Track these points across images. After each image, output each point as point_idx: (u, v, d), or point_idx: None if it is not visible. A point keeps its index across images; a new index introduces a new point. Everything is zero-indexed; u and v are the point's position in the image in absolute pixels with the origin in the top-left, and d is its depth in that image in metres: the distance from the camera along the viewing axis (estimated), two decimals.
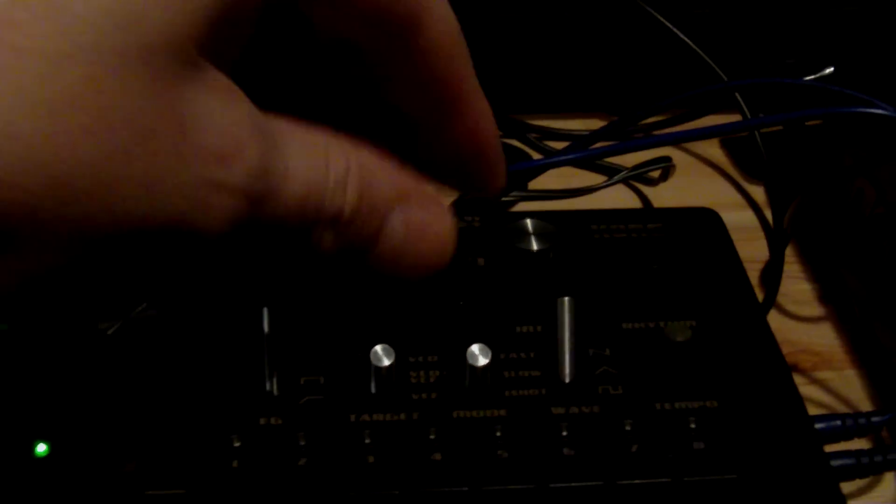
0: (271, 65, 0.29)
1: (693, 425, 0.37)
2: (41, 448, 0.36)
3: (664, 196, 0.57)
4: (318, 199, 0.26)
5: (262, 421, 0.37)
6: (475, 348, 0.37)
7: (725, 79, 0.54)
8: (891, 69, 0.50)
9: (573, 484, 0.35)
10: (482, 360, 0.37)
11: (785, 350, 0.49)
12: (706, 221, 0.46)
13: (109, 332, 0.38)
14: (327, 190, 0.26)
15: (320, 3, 0.26)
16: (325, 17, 0.27)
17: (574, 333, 0.38)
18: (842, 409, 0.47)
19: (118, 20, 0.21)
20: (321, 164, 0.26)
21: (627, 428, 0.37)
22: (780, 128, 0.58)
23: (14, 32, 0.21)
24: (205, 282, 0.36)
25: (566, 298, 0.39)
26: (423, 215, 0.29)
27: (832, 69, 0.54)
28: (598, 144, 0.48)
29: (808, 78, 0.53)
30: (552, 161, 0.40)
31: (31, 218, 0.21)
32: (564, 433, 0.37)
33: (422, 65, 0.28)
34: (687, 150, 0.60)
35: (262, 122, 0.25)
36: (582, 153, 0.40)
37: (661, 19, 0.55)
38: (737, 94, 0.53)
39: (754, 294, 0.43)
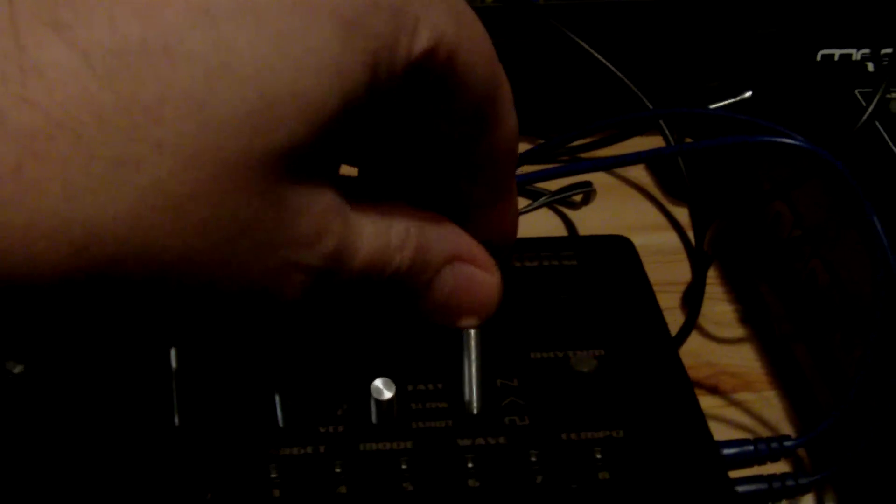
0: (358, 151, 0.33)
1: (599, 455, 0.38)
2: None
3: (587, 219, 0.57)
4: (381, 260, 0.29)
5: (164, 456, 0.37)
6: (379, 382, 0.37)
7: (651, 107, 0.55)
8: (807, 91, 0.50)
9: None
10: (386, 394, 0.37)
11: (705, 372, 0.50)
12: (618, 249, 0.46)
13: (15, 371, 0.38)
14: (388, 250, 0.29)
15: (435, 103, 0.29)
16: (422, 117, 0.30)
17: (481, 364, 0.39)
18: (762, 431, 0.48)
19: (255, 126, 0.23)
20: (384, 229, 0.29)
21: (533, 459, 0.37)
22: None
23: (159, 128, 0.22)
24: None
25: (472, 330, 0.39)
26: (472, 271, 0.33)
27: (750, 93, 0.55)
28: (524, 169, 0.49)
29: (717, 105, 0.54)
30: None
31: (134, 293, 0.23)
32: (470, 465, 0.37)
33: (490, 154, 0.32)
34: (610, 173, 0.61)
35: (344, 208, 0.27)
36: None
37: (586, 46, 0.56)
38: (661, 122, 0.54)
39: (664, 321, 0.43)
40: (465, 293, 0.34)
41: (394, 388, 0.37)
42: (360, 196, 0.29)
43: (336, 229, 0.27)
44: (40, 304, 0.23)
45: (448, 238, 0.33)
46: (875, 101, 0.47)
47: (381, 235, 0.29)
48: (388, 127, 0.31)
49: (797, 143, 0.42)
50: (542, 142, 0.55)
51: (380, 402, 0.37)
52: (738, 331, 0.53)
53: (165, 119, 0.22)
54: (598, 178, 0.57)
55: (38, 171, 0.21)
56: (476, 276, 0.34)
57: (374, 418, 0.38)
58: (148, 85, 0.22)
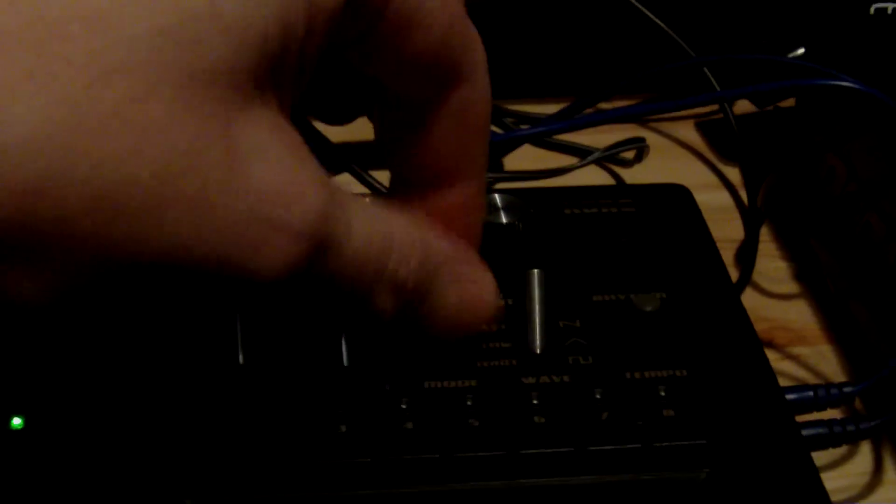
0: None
1: (663, 393, 0.38)
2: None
3: (638, 177, 0.57)
4: (381, 262, 0.26)
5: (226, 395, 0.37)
6: None
7: (693, 55, 0.54)
8: (858, 51, 0.50)
9: (544, 450, 0.36)
10: None
11: (760, 326, 0.50)
12: (677, 197, 0.46)
13: None
14: (391, 257, 0.27)
15: (379, 50, 0.27)
16: (374, 59, 0.28)
17: (544, 305, 0.39)
18: (816, 382, 0.48)
19: (170, 41, 0.21)
20: (386, 232, 0.26)
21: (597, 396, 0.37)
22: (755, 109, 0.58)
23: (67, 45, 0.20)
24: None
25: (535, 271, 0.39)
26: (467, 271, 0.30)
27: (803, 50, 0.55)
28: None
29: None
30: (510, 136, 0.40)
31: (69, 232, 0.21)
32: (535, 402, 0.37)
33: (447, 124, 0.30)
34: (661, 133, 0.61)
35: (325, 176, 0.24)
36: (543, 127, 0.41)
37: (637, 4, 0.56)
38: (706, 70, 0.53)
39: (724, 267, 0.43)
40: (462, 296, 0.30)
41: None
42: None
43: (318, 192, 0.24)
44: None
45: (445, 242, 0.30)
46: None
47: (382, 234, 0.26)
48: (346, 78, 0.29)
49: (854, 85, 0.42)
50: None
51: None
52: (792, 287, 0.52)
53: (73, 36, 0.21)
54: (649, 139, 0.57)
55: None
56: (471, 278, 0.31)
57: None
58: (52, 4, 0.21)
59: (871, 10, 0.51)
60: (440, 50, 0.28)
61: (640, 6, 0.55)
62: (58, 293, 0.22)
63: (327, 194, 0.24)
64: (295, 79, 0.25)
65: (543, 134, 0.53)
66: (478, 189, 0.32)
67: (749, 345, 0.40)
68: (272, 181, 0.23)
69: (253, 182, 0.22)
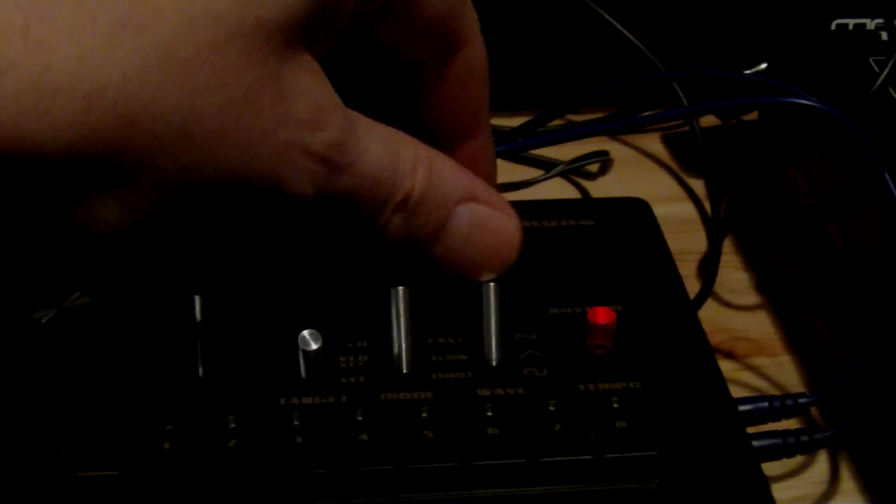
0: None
1: (616, 405, 0.38)
2: None
3: (603, 189, 0.58)
4: (390, 178, 0.29)
5: (193, 405, 0.38)
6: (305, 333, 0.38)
7: (663, 69, 0.55)
8: (819, 66, 0.51)
9: (497, 461, 0.36)
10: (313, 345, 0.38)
11: (720, 337, 0.51)
12: (635, 211, 0.47)
13: (44, 320, 0.39)
14: (398, 171, 0.30)
15: (393, 16, 0.31)
16: (390, 30, 0.31)
17: (501, 318, 0.39)
18: (776, 393, 0.48)
19: None
20: (393, 149, 0.30)
21: (551, 408, 0.38)
22: (719, 122, 0.59)
23: None
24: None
25: (492, 284, 0.39)
26: (489, 213, 0.33)
27: (765, 65, 0.55)
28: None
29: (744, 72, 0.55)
30: None
31: (151, 158, 0.24)
32: (489, 413, 0.38)
33: (460, 78, 0.33)
34: (627, 144, 0.61)
35: (343, 106, 0.28)
36: (511, 145, 0.41)
37: (607, 16, 0.56)
38: (675, 85, 0.54)
39: (680, 280, 0.44)
40: (484, 237, 0.33)
41: (319, 338, 0.38)
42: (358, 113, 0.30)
43: (338, 121, 0.28)
44: (52, 174, 0.23)
45: (461, 175, 0.32)
46: (888, 67, 0.47)
47: (389, 151, 0.30)
48: (364, 47, 0.32)
49: (813, 104, 0.43)
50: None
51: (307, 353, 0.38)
52: (753, 298, 0.53)
53: None
54: (613, 151, 0.58)
55: (46, 32, 0.23)
56: (495, 218, 0.33)
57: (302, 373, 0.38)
58: None
59: (833, 26, 0.51)
60: (447, 16, 0.31)
61: (611, 20, 0.55)
62: (137, 221, 0.25)
63: (346, 122, 0.28)
64: (331, 32, 0.28)
65: (516, 150, 0.53)
66: (487, 140, 0.35)
67: (703, 357, 0.41)
68: (306, 111, 0.27)
69: (293, 113, 0.26)
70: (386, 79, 0.33)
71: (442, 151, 0.33)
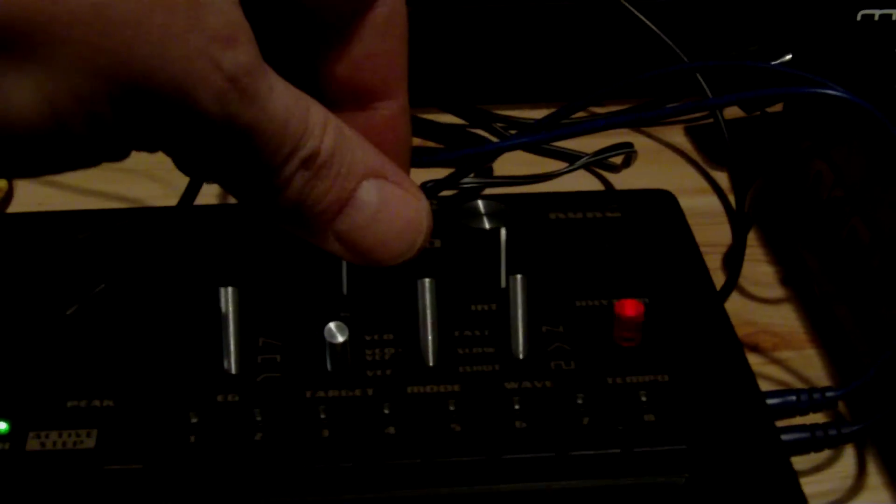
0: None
1: (644, 398, 0.38)
2: (1, 426, 0.36)
3: (627, 182, 0.57)
4: (299, 128, 0.28)
5: (219, 398, 0.37)
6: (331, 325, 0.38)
7: (687, 60, 0.55)
8: (846, 56, 0.51)
9: (525, 455, 0.36)
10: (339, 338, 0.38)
11: (746, 330, 0.50)
12: (662, 203, 0.46)
13: (68, 312, 0.39)
14: (308, 125, 0.28)
15: None
16: None
17: (527, 311, 0.39)
18: (802, 387, 0.48)
19: None
20: (304, 104, 0.28)
21: (579, 402, 0.38)
22: (743, 114, 0.59)
23: None
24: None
25: (519, 276, 0.39)
26: (399, 193, 0.30)
27: (790, 56, 0.55)
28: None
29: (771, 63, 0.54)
30: (504, 145, 0.41)
31: (67, 33, 0.24)
32: (517, 407, 0.37)
33: (372, 37, 0.31)
34: (651, 137, 0.61)
35: (255, 42, 0.27)
36: (534, 137, 0.41)
37: (631, 7, 0.56)
38: (698, 76, 0.54)
39: (707, 272, 0.44)
40: (392, 218, 0.30)
41: (346, 331, 0.38)
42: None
43: (251, 49, 0.26)
44: None
45: (371, 150, 0.30)
46: None
47: (301, 105, 0.28)
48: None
49: (843, 95, 0.42)
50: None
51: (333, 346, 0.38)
52: (778, 291, 0.53)
53: None
54: (637, 143, 0.58)
55: None
56: (404, 200, 0.30)
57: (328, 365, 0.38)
58: None
59: (858, 17, 0.51)
60: None
61: (635, 11, 0.55)
62: (52, 107, 0.24)
63: (256, 53, 0.27)
64: None
65: (539, 142, 0.53)
66: (403, 107, 0.33)
67: (731, 350, 0.40)
68: (221, 25, 0.26)
69: (207, 23, 0.25)
70: (292, 36, 0.31)
71: (343, 113, 0.31)
